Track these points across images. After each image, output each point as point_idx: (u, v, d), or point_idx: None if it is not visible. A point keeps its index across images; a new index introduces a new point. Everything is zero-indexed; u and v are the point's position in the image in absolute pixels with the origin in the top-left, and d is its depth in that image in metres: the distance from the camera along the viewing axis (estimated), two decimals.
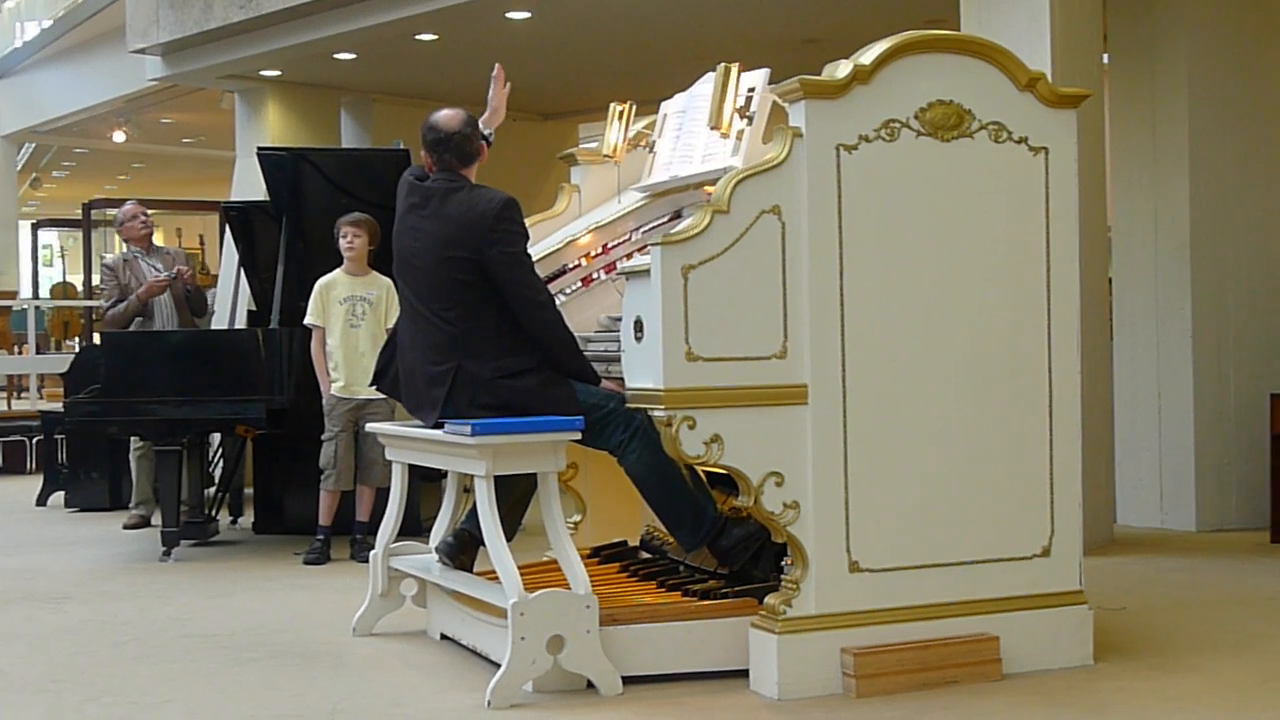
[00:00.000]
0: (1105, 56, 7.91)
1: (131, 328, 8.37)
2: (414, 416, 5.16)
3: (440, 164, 5.13)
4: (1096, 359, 7.15)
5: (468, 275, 4.89)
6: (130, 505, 8.95)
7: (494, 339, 4.89)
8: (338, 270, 7.43)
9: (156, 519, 8.03)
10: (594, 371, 4.96)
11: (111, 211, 18.38)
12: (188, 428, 7.57)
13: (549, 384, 4.85)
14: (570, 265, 5.68)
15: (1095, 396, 6.88)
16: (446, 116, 5.15)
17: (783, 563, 4.61)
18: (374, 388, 5.55)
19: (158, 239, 10.35)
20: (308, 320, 7.40)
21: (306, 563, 7.26)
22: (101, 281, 8.70)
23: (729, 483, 4.58)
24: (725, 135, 5.11)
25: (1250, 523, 7.74)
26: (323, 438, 7.35)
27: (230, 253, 8.74)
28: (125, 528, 8.63)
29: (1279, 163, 8.06)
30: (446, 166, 5.12)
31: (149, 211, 8.94)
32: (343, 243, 7.37)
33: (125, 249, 8.78)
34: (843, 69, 4.50)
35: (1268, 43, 8.05)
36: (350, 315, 7.35)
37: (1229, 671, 4.71)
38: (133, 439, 8.62)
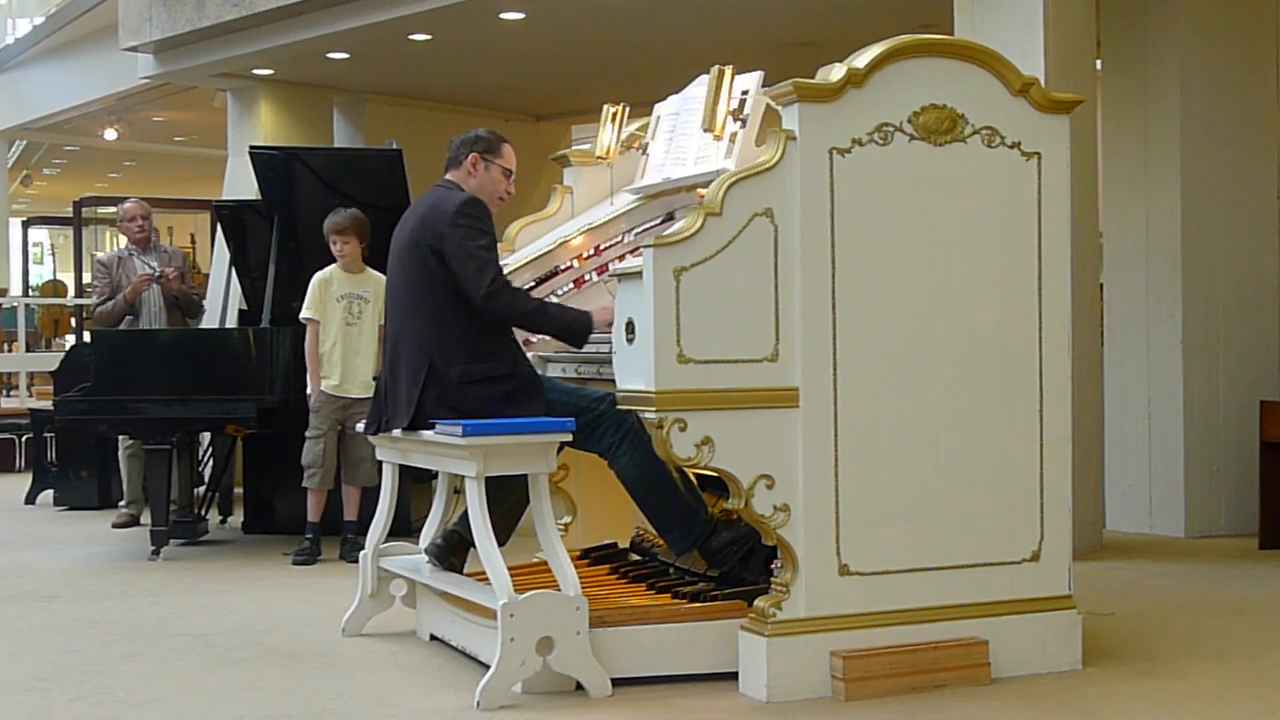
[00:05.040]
0: (1098, 62, 7.92)
1: (121, 326, 8.37)
2: (389, 428, 5.13)
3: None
4: (1087, 364, 7.15)
5: (432, 268, 4.95)
6: (119, 504, 8.94)
7: (464, 342, 4.91)
8: (334, 266, 7.37)
9: (145, 518, 8.01)
10: (577, 316, 4.97)
11: (104, 210, 18.36)
12: (177, 427, 7.55)
13: (516, 395, 4.86)
14: (562, 266, 5.68)
15: (1085, 402, 6.89)
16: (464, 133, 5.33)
17: (772, 565, 4.60)
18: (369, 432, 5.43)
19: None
20: (305, 314, 7.30)
21: (295, 563, 7.25)
22: (94, 278, 8.67)
23: (719, 485, 4.58)
24: (718, 138, 5.11)
25: (1238, 529, 7.75)
26: (307, 435, 7.30)
27: (221, 252, 8.73)
28: (114, 526, 8.62)
29: (1270, 169, 8.07)
30: (447, 173, 5.28)
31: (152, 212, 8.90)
32: (334, 249, 7.32)
33: (121, 246, 8.78)
34: (836, 72, 4.50)
35: (1259, 49, 8.06)
36: (347, 313, 7.30)
37: (1216, 677, 4.72)
38: (122, 437, 8.60)
